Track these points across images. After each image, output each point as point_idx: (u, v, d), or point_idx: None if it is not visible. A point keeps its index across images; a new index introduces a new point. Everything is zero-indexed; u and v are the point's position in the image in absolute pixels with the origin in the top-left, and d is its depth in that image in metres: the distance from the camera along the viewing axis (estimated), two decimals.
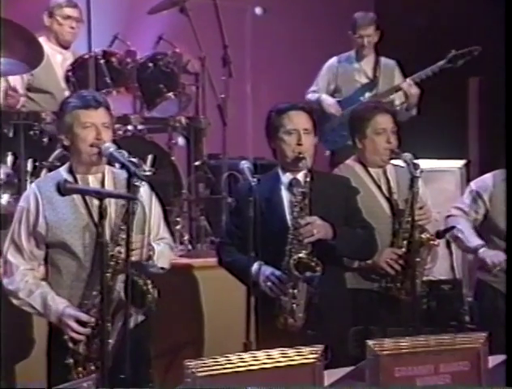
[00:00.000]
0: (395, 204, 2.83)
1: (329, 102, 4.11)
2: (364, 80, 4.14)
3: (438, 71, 3.92)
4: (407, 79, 4.03)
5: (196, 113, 3.88)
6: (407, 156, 2.76)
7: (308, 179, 2.56)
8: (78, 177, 2.41)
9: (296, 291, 2.50)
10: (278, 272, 2.52)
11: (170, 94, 3.78)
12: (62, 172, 2.43)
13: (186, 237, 3.69)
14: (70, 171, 2.41)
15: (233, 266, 2.64)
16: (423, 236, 2.76)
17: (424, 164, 2.88)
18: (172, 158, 3.68)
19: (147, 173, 2.29)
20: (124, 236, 2.24)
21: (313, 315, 2.50)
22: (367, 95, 4.10)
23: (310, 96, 4.16)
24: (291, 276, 2.49)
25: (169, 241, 2.57)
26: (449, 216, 3.12)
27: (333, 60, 4.20)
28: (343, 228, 2.60)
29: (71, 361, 2.30)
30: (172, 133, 3.83)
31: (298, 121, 2.62)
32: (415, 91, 4.00)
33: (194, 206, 3.77)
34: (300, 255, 2.50)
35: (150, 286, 2.27)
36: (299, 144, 2.60)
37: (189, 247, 3.65)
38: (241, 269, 2.56)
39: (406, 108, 4.06)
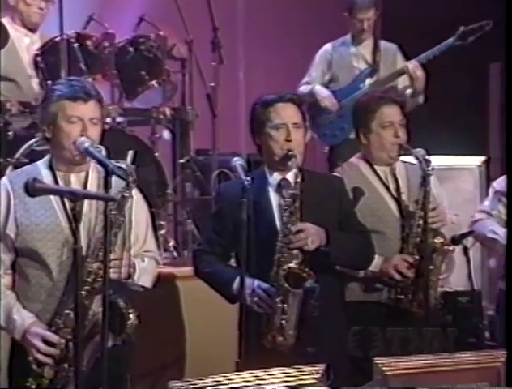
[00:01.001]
0: (405, 206, 2.84)
1: (323, 94, 4.10)
2: (364, 66, 4.13)
3: (447, 50, 3.92)
4: (412, 61, 4.01)
5: (182, 104, 3.89)
6: (419, 151, 2.76)
7: (298, 179, 2.54)
8: (59, 174, 2.35)
9: (285, 305, 2.47)
10: (265, 285, 2.49)
11: (153, 82, 3.79)
12: (40, 167, 2.36)
13: (171, 243, 3.70)
14: (50, 167, 2.35)
15: (213, 277, 2.61)
16: (436, 241, 2.77)
17: (439, 161, 2.94)
18: (156, 154, 3.68)
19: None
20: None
21: (308, 332, 2.48)
22: (367, 82, 4.09)
23: (303, 89, 4.14)
24: (280, 289, 2.47)
25: (155, 254, 2.52)
26: (475, 221, 3.13)
27: (326, 46, 4.21)
28: (337, 232, 2.60)
29: (34, 385, 2.24)
30: (156, 126, 3.84)
31: (286, 114, 2.59)
32: (421, 73, 3.99)
33: (180, 208, 3.78)
34: (291, 265, 2.48)
35: (131, 310, 2.24)
36: (288, 140, 2.57)
37: (175, 254, 3.67)
38: (222, 281, 2.55)
39: (411, 94, 4.05)
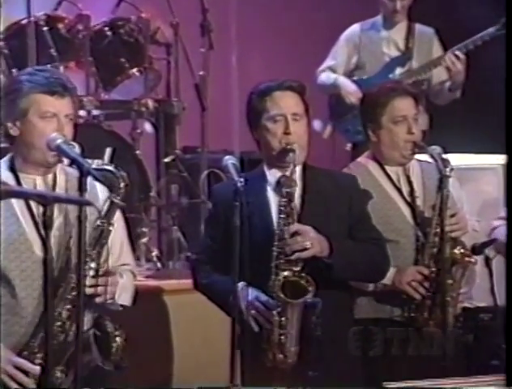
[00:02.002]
0: (420, 211, 2.83)
1: (349, 89, 4.05)
2: (395, 53, 4.11)
3: (489, 40, 3.91)
4: (451, 51, 3.98)
5: (167, 95, 3.92)
6: (435, 149, 2.77)
7: (294, 176, 2.54)
8: (22, 176, 2.35)
9: (283, 319, 2.48)
10: (264, 297, 2.50)
11: (134, 70, 3.81)
12: (1, 168, 2.35)
13: (155, 253, 3.71)
14: (11, 169, 2.34)
15: (210, 289, 2.63)
16: (456, 251, 2.77)
17: (458, 160, 2.93)
18: (137, 152, 3.72)
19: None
20: (93, 265, 2.22)
21: (312, 351, 2.48)
22: (397, 71, 4.08)
23: (325, 78, 4.13)
24: (277, 301, 2.48)
25: (132, 267, 2.52)
26: (494, 229, 3.09)
27: (354, 28, 4.17)
28: (343, 242, 2.59)
29: None
30: (137, 120, 3.86)
31: (285, 104, 2.59)
32: (461, 66, 3.97)
33: (164, 213, 3.80)
34: (286, 273, 2.48)
35: (117, 332, 2.24)
36: (286, 133, 2.58)
37: (159, 265, 3.68)
38: (220, 293, 2.55)
39: (449, 87, 4.03)
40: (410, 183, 2.88)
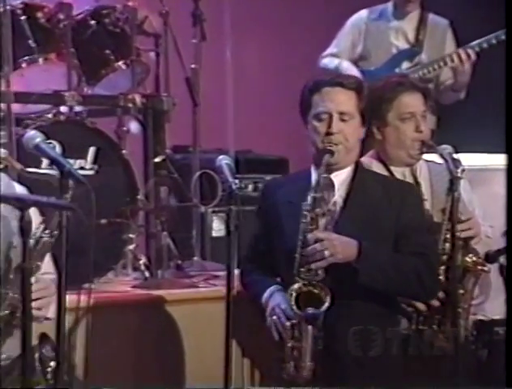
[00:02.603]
0: (429, 216, 2.83)
1: (351, 73, 3.98)
2: (403, 44, 4.09)
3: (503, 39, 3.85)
4: (460, 49, 3.96)
5: (156, 90, 3.88)
6: (445, 149, 2.76)
7: (321, 179, 2.58)
8: None
9: (296, 331, 2.54)
10: (284, 304, 2.57)
11: (120, 63, 3.77)
12: None
13: (142, 261, 3.68)
14: None
15: (248, 289, 2.76)
16: (468, 259, 2.78)
17: (470, 160, 2.94)
18: (123, 151, 3.66)
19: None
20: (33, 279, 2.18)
21: (327, 367, 2.53)
22: (405, 65, 4.06)
23: (328, 61, 4.12)
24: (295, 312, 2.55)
25: (53, 275, 2.44)
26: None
27: (361, 14, 4.14)
28: (376, 248, 2.61)
29: None
30: (123, 117, 3.84)
31: (332, 100, 2.63)
32: (467, 67, 3.96)
33: (153, 217, 3.76)
34: (299, 285, 2.53)
35: (51, 354, 2.19)
36: (328, 133, 2.62)
37: (147, 274, 3.64)
38: (254, 294, 2.69)
39: (453, 87, 4.04)
40: (418, 185, 2.88)
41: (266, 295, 2.64)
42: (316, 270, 2.55)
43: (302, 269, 2.55)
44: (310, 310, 2.51)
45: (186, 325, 3.16)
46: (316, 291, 2.52)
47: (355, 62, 4.10)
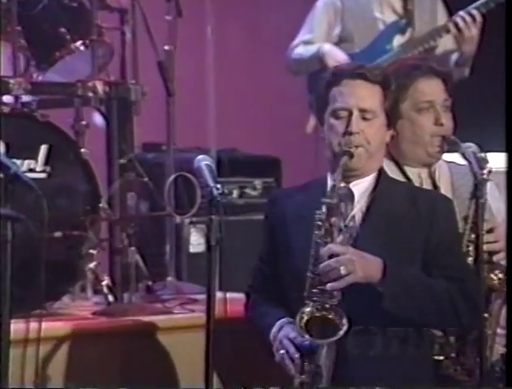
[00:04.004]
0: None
1: (337, 57, 4.02)
2: (391, 17, 4.10)
3: None
4: (461, 12, 3.97)
5: (122, 77, 3.85)
6: (469, 147, 2.76)
7: (339, 185, 2.59)
8: None
9: (306, 363, 2.55)
10: (293, 334, 2.58)
11: (78, 44, 3.73)
12: None
13: (105, 283, 3.65)
14: None
15: (255, 324, 2.76)
16: (493, 276, 2.78)
17: (497, 161, 2.89)
18: (82, 150, 3.62)
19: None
20: None
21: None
22: (396, 41, 4.06)
23: (302, 50, 4.13)
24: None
25: None
26: None
27: None
28: (403, 269, 2.61)
29: None
30: (82, 108, 3.81)
31: (352, 95, 2.64)
32: (474, 31, 3.96)
33: (118, 230, 3.73)
34: (310, 309, 2.53)
35: None
36: (347, 133, 2.63)
37: (110, 299, 3.61)
38: (262, 330, 2.69)
39: (457, 61, 4.04)
40: (436, 189, 2.87)
41: (274, 329, 2.65)
42: (331, 291, 2.54)
43: (314, 290, 2.56)
44: (306, 341, 2.51)
45: (158, 359, 3.16)
46: (330, 316, 2.53)
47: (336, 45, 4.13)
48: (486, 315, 2.72)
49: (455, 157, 2.87)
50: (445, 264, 2.66)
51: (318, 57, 4.03)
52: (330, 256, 2.55)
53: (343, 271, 2.53)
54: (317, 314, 2.53)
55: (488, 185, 2.72)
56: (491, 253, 2.78)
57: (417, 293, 2.61)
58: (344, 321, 2.50)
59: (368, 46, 4.06)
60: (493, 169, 2.74)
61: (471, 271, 2.69)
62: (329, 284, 2.53)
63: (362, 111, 2.64)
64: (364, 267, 2.55)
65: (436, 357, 2.74)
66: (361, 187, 2.69)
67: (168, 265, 3.92)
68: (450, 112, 2.88)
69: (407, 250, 2.65)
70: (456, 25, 3.96)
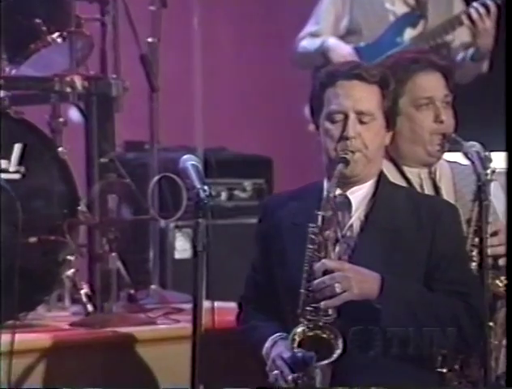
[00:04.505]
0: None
1: (342, 51, 4.07)
2: (402, 9, 4.15)
3: None
4: (475, 3, 4.00)
5: (102, 71, 3.85)
6: (472, 146, 2.76)
7: (334, 194, 2.59)
8: None
9: (300, 381, 2.53)
10: (288, 353, 2.57)
11: (54, 35, 3.71)
12: None
13: (84, 291, 3.64)
14: None
15: (247, 338, 2.77)
16: (498, 282, 2.79)
17: (501, 160, 2.88)
18: (60, 149, 3.62)
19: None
20: None
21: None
22: (407, 34, 4.08)
23: (307, 43, 4.18)
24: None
25: None
26: None
27: None
28: (403, 284, 2.61)
29: None
30: (59, 105, 3.81)
31: (348, 97, 2.64)
32: (488, 24, 3.97)
33: (98, 234, 3.72)
34: (302, 328, 2.54)
35: None
36: (343, 138, 2.63)
37: (90, 308, 3.61)
38: (254, 345, 2.69)
39: (472, 56, 4.06)
40: (437, 190, 2.89)
41: (267, 345, 2.65)
42: (326, 309, 2.55)
43: (308, 308, 2.56)
44: (299, 353, 2.51)
45: (141, 373, 3.17)
46: (324, 335, 2.53)
47: (342, 39, 4.14)
48: (491, 323, 2.72)
49: (458, 157, 2.87)
50: (450, 279, 2.66)
51: (323, 51, 4.09)
52: (325, 272, 2.55)
53: (337, 288, 2.53)
54: (310, 334, 2.54)
55: (492, 185, 2.74)
56: (496, 257, 2.79)
57: (418, 312, 2.61)
58: (339, 341, 2.51)
59: (377, 39, 4.10)
60: (497, 169, 2.76)
61: (477, 286, 2.66)
62: (323, 302, 2.53)
63: (359, 114, 2.64)
64: (360, 283, 2.55)
65: (439, 370, 2.73)
66: (359, 194, 2.69)
67: (152, 272, 3.93)
68: (451, 108, 2.88)
69: (408, 262, 2.65)
70: (469, 16, 3.99)
